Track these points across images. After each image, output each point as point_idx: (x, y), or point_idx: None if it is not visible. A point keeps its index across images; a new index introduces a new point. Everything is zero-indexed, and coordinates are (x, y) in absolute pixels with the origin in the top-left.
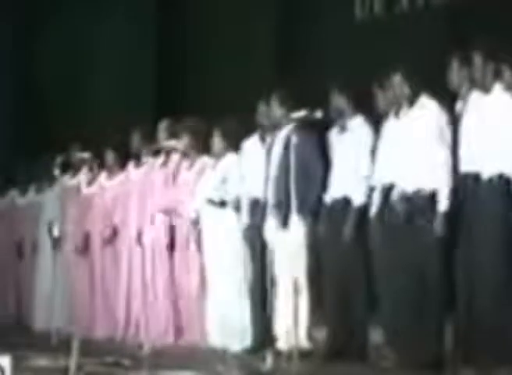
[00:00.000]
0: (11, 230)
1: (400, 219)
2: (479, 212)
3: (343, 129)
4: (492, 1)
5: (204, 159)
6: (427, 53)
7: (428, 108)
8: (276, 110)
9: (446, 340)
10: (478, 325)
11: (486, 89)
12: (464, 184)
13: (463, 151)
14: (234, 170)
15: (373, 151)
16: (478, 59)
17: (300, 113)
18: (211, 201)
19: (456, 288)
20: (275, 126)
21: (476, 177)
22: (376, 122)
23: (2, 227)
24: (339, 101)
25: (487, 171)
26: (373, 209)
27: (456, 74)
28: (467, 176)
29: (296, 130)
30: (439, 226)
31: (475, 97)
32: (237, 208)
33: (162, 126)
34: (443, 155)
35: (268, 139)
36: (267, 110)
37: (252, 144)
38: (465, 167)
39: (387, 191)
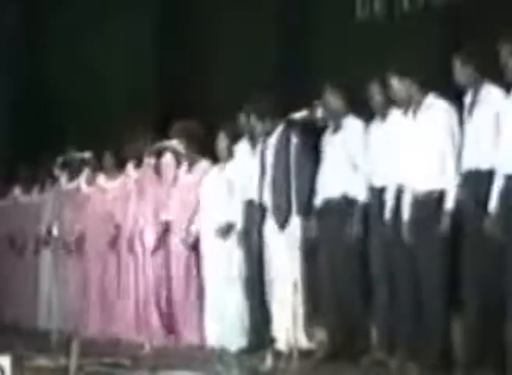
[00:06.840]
0: (12, 229)
1: (409, 219)
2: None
3: (336, 129)
4: (492, 2)
5: (204, 164)
6: (427, 53)
7: (438, 108)
8: (272, 112)
9: (453, 340)
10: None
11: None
12: (473, 183)
13: (474, 148)
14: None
15: (367, 150)
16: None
17: (300, 114)
18: (219, 231)
19: (463, 287)
20: (268, 129)
21: (489, 175)
22: (370, 121)
23: (3, 226)
24: (333, 101)
25: (503, 169)
26: (387, 211)
27: (463, 69)
28: (478, 173)
29: (295, 130)
30: (444, 226)
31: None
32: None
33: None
34: (452, 155)
35: (260, 142)
36: (260, 112)
37: (242, 149)
38: (477, 164)
39: (398, 192)
